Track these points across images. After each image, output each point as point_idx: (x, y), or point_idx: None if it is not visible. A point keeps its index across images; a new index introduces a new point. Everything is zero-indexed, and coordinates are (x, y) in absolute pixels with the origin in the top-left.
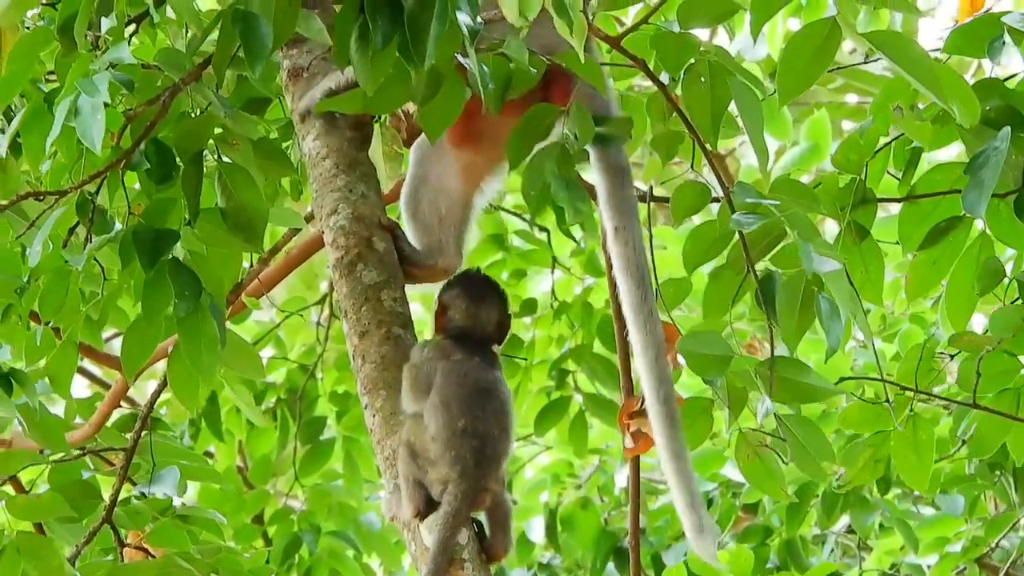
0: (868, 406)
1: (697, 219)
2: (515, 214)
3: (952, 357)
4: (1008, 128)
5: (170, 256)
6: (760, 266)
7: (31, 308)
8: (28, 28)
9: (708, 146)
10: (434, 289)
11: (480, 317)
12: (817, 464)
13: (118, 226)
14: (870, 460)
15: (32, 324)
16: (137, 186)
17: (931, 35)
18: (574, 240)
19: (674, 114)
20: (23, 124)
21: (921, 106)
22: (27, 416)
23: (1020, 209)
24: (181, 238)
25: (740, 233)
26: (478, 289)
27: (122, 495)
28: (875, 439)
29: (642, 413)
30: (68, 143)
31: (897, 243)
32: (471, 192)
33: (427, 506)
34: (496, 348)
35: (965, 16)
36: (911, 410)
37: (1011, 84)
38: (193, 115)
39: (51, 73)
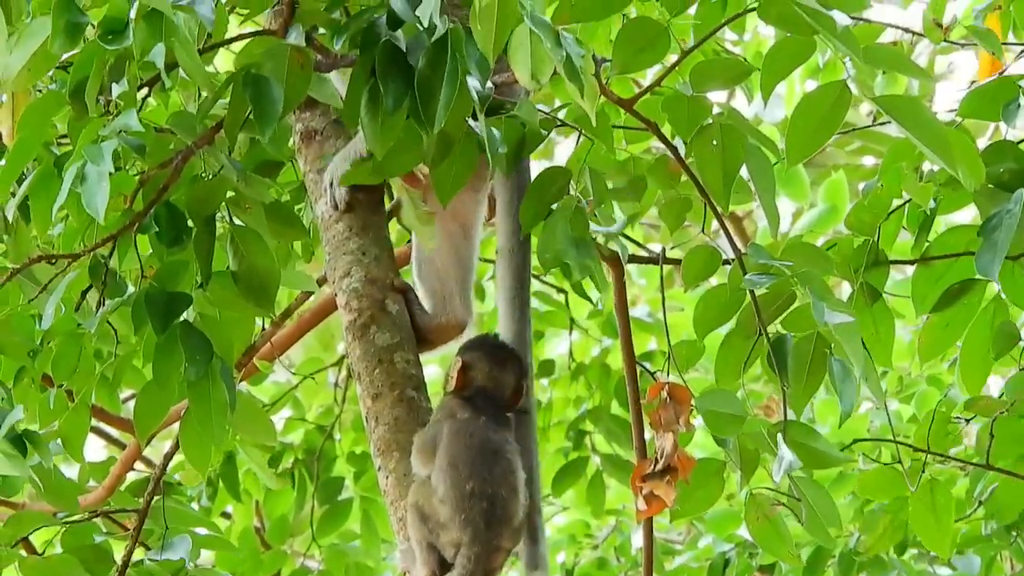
0: (885, 471)
1: (714, 280)
2: (533, 275)
3: (968, 421)
4: (1022, 191)
5: (182, 319)
6: (772, 329)
7: (44, 371)
8: (40, 91)
9: (720, 209)
10: (450, 350)
11: (500, 379)
12: (826, 530)
13: (130, 289)
14: (890, 526)
15: (45, 387)
16: (151, 251)
17: (948, 97)
18: (591, 301)
19: (685, 178)
20: (31, 188)
21: (928, 167)
22: (42, 477)
23: None
24: (193, 301)
25: (752, 295)
26: (499, 351)
27: (135, 558)
28: (894, 504)
29: (655, 475)
30: (78, 208)
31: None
32: (457, 242)
33: (441, 568)
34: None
35: (985, 77)
36: (923, 470)
37: None
38: (205, 178)
39: (64, 136)
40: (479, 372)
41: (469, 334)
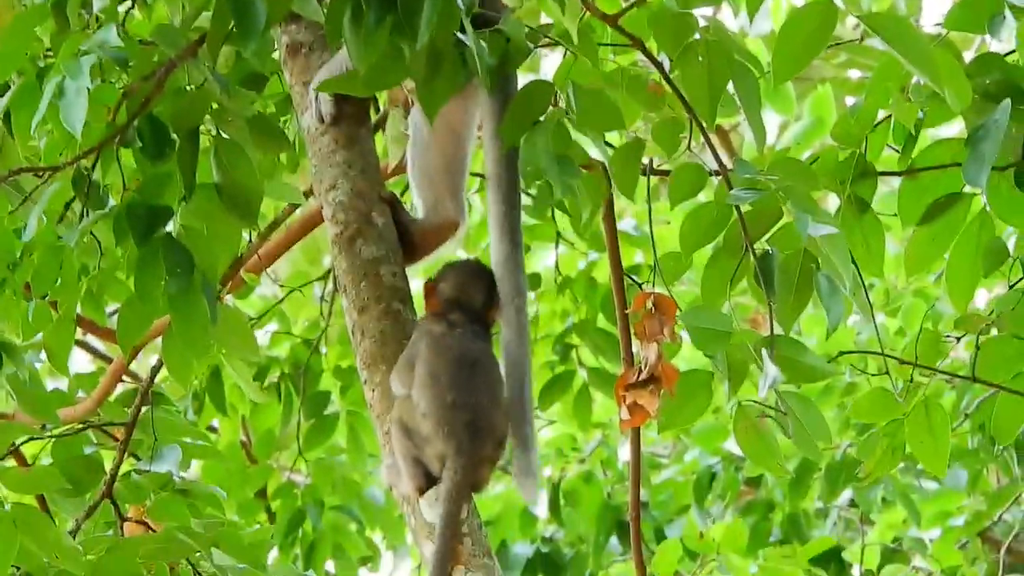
0: (878, 393)
1: (702, 196)
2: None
3: (959, 339)
4: (1008, 101)
5: (163, 233)
6: (759, 245)
7: (25, 282)
8: (25, 5)
9: (706, 126)
10: (443, 255)
11: (470, 291)
12: (814, 444)
13: (113, 202)
14: (887, 449)
15: (28, 297)
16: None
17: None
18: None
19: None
20: (12, 101)
21: (916, 79)
22: (16, 388)
23: (1020, 182)
24: (176, 215)
25: (738, 211)
26: (466, 265)
27: (124, 469)
28: (890, 427)
29: (639, 385)
30: (59, 121)
31: (895, 215)
32: (448, 148)
33: (427, 482)
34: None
35: None
36: (912, 384)
37: (1011, 59)
38: (189, 91)
39: (50, 50)
40: (447, 285)
41: (461, 236)
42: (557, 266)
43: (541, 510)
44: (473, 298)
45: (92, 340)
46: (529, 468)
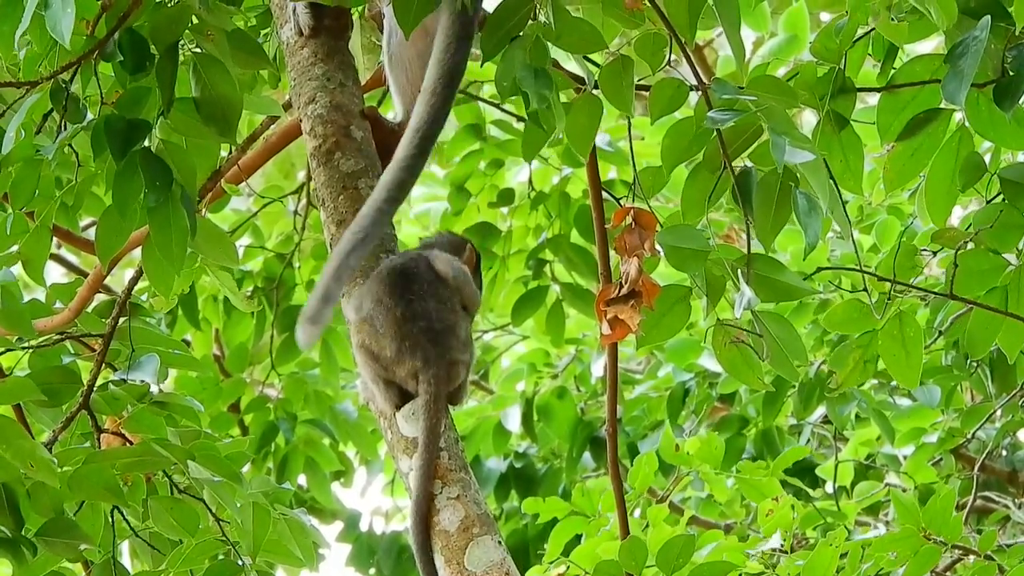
0: (852, 305)
1: (678, 113)
2: (494, 104)
3: (935, 254)
4: (988, 17)
5: (142, 146)
6: (738, 163)
7: (3, 192)
8: None
9: (685, 41)
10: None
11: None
12: (790, 363)
13: (92, 116)
14: (859, 361)
15: (5, 206)
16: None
17: None
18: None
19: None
20: None
21: None
22: None
23: (999, 98)
24: (154, 128)
25: (718, 130)
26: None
27: (101, 381)
28: (863, 339)
29: (620, 300)
30: (41, 33)
31: (874, 123)
32: (427, 57)
33: (402, 398)
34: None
35: None
36: (889, 299)
37: None
38: (168, 5)
39: None
40: None
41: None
42: (531, 181)
43: (514, 424)
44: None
45: (67, 254)
46: (318, 316)
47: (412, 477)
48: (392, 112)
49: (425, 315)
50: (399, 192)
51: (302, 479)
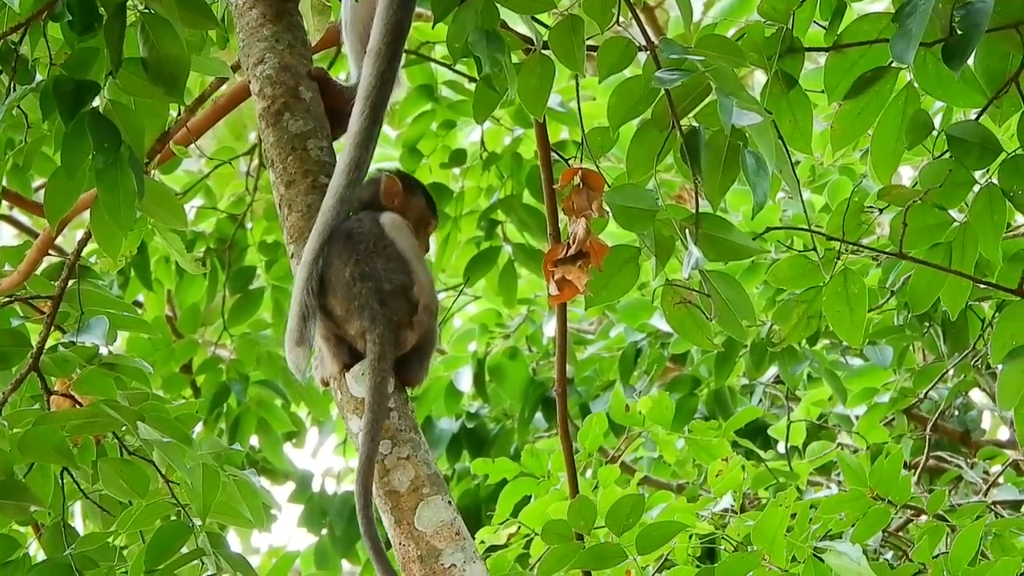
0: (798, 260)
1: (627, 72)
2: (445, 65)
3: (881, 211)
4: None
5: (90, 108)
6: (686, 122)
7: None
8: None
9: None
10: None
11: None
12: (739, 322)
13: (40, 77)
14: (803, 316)
15: None
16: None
17: None
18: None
19: None
20: None
21: None
22: None
23: (948, 57)
24: (103, 89)
25: (666, 90)
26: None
27: (51, 343)
28: (807, 295)
29: (567, 260)
30: None
31: (823, 91)
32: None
33: (351, 358)
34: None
35: None
36: (839, 259)
37: None
38: None
39: None
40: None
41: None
42: (483, 141)
43: (465, 385)
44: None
45: (17, 215)
46: (304, 336)
47: (356, 438)
48: (344, 73)
49: (374, 277)
50: (358, 172)
51: (254, 440)
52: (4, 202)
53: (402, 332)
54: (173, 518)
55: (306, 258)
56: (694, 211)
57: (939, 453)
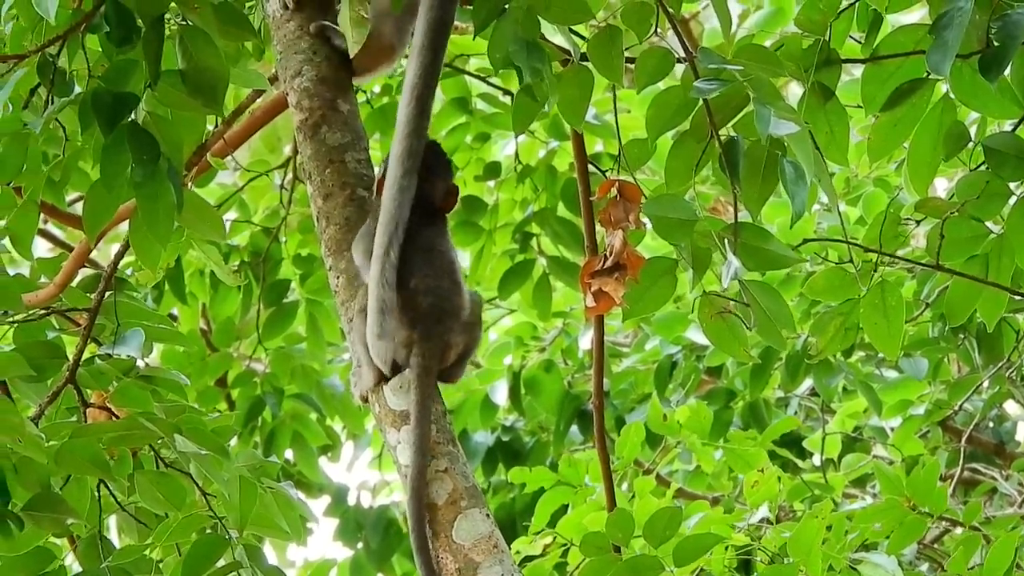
0: (835, 273)
1: (662, 84)
2: (479, 77)
3: (918, 223)
4: None
5: (129, 120)
6: (724, 132)
7: None
8: None
9: (672, 11)
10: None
11: (427, 180)
12: (778, 332)
13: (79, 89)
14: (840, 328)
15: None
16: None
17: None
18: (537, 101)
19: None
20: None
21: None
22: None
23: (984, 68)
24: (141, 102)
25: (705, 100)
26: (428, 151)
27: (87, 355)
28: (844, 306)
29: (604, 272)
30: (27, 7)
31: (860, 106)
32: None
33: (392, 371)
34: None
35: None
36: (875, 270)
37: None
38: None
39: None
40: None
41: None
42: (517, 154)
43: (501, 398)
44: (431, 189)
45: (52, 229)
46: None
47: (403, 451)
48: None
49: (436, 293)
50: (412, 161)
51: (289, 453)
52: (40, 214)
53: (447, 352)
54: (209, 530)
55: (377, 252)
56: (731, 222)
57: (974, 465)
